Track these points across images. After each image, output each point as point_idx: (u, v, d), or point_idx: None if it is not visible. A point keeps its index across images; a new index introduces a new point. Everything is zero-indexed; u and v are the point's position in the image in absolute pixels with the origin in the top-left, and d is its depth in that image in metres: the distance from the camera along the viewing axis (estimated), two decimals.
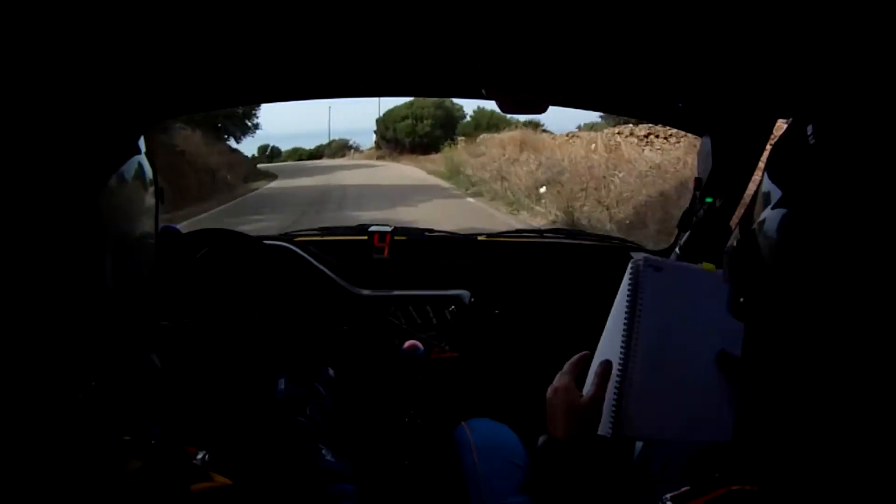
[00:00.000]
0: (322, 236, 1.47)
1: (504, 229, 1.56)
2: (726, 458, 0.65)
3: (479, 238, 1.49)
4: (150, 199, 0.48)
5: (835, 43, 0.64)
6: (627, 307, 0.66)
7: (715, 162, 1.17)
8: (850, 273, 0.37)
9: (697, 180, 1.24)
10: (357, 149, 26.16)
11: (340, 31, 0.78)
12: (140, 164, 0.47)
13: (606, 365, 0.64)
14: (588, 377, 0.67)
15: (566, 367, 0.68)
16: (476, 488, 0.89)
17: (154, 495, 0.40)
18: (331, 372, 1.04)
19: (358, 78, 1.08)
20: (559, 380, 0.67)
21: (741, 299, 0.46)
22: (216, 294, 1.10)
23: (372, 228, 1.38)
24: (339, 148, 26.62)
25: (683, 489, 0.58)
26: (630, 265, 0.66)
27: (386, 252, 1.36)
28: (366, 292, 1.30)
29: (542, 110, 1.12)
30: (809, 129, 0.41)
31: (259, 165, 17.17)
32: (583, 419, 0.62)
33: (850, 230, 0.37)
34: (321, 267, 1.29)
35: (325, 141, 28.55)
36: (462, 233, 1.52)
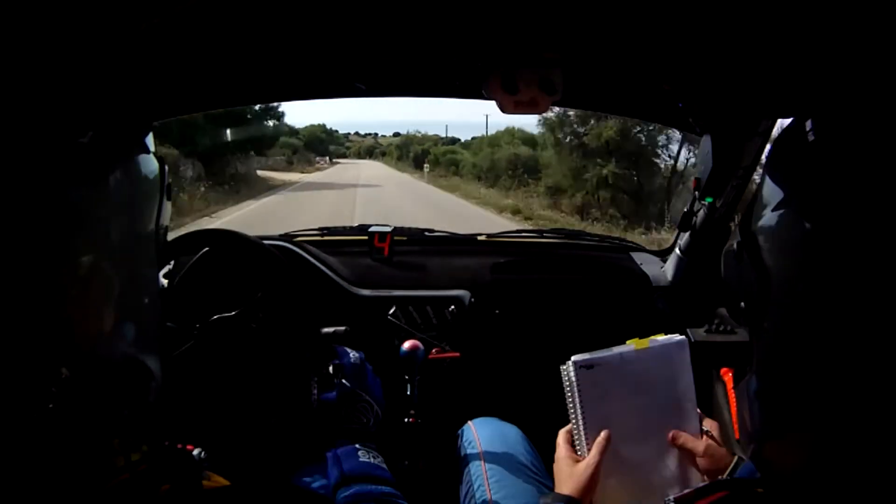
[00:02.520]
0: (322, 236, 1.47)
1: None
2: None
3: (479, 238, 1.49)
4: (153, 198, 0.48)
5: (835, 42, 0.63)
6: (572, 408, 0.72)
7: (715, 162, 1.17)
8: (857, 277, 0.36)
9: (697, 180, 1.24)
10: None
11: (340, 30, 0.78)
12: (145, 161, 0.47)
13: (603, 437, 0.71)
14: (580, 445, 0.73)
15: (560, 437, 0.75)
16: (482, 487, 0.89)
17: (148, 489, 0.40)
18: (353, 356, 0.91)
19: (357, 78, 1.08)
20: (557, 451, 0.74)
21: (742, 304, 0.46)
22: (215, 294, 1.10)
23: (372, 228, 1.38)
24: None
25: (686, 491, 0.58)
26: (562, 369, 0.73)
27: (386, 252, 1.37)
28: (366, 292, 1.30)
29: (543, 110, 1.12)
30: (809, 125, 0.41)
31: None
32: (581, 483, 0.68)
33: (854, 231, 0.36)
34: (321, 267, 1.29)
35: None
36: (462, 233, 1.52)
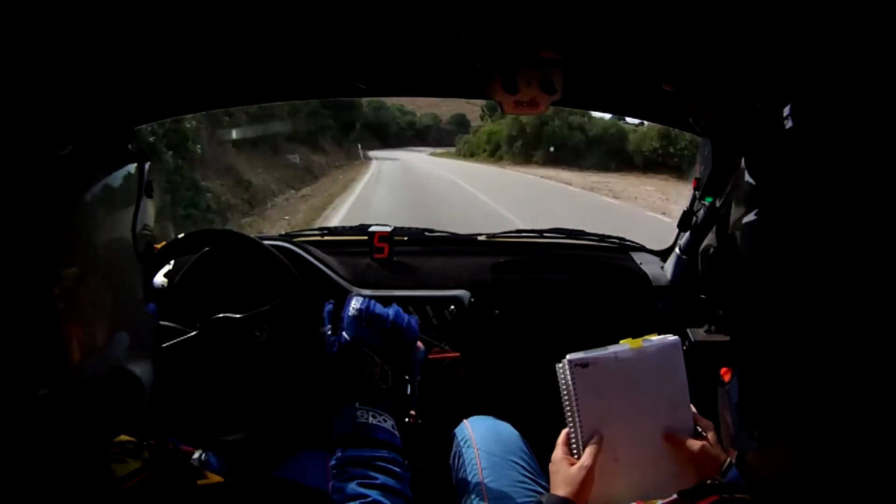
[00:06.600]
0: (322, 236, 1.47)
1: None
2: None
3: (479, 238, 1.49)
4: (131, 202, 0.46)
5: (836, 42, 0.63)
6: (567, 406, 0.73)
7: (715, 162, 1.17)
8: (833, 277, 0.36)
9: (697, 180, 1.24)
10: None
11: (340, 30, 0.78)
12: (126, 167, 0.46)
13: (598, 438, 0.72)
14: (576, 445, 0.73)
15: (559, 438, 0.76)
16: (478, 485, 0.89)
17: (155, 493, 0.40)
18: (355, 303, 0.82)
19: (357, 78, 1.08)
20: (554, 453, 0.75)
21: (720, 312, 0.46)
22: (215, 294, 1.10)
23: (372, 228, 1.38)
24: None
25: (673, 497, 0.58)
26: (558, 368, 0.73)
27: (386, 252, 1.36)
28: (366, 292, 1.30)
29: (543, 110, 1.12)
30: (787, 111, 0.40)
31: None
32: (575, 485, 0.69)
33: (832, 225, 0.36)
34: (321, 267, 1.29)
35: None
36: (462, 233, 1.52)
